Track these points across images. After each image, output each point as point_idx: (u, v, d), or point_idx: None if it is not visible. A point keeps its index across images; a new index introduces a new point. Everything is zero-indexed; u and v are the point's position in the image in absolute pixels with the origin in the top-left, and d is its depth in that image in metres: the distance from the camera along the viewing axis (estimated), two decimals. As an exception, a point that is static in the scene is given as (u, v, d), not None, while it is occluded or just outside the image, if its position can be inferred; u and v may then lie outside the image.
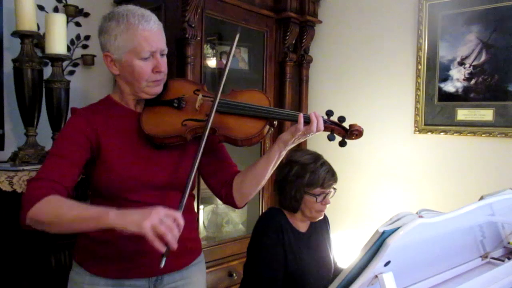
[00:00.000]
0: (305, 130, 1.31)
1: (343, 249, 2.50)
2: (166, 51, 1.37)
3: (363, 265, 0.89)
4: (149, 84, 1.34)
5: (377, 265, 0.86)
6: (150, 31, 1.30)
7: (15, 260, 1.86)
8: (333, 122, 1.38)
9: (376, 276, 0.90)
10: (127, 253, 1.34)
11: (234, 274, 2.35)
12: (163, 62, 1.35)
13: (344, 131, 1.38)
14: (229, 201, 1.48)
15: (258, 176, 1.40)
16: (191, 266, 1.47)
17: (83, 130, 1.30)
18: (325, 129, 1.36)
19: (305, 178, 1.67)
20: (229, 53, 1.41)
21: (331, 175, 1.70)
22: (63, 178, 1.24)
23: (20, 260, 1.87)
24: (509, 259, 1.25)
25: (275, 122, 1.39)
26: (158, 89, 1.37)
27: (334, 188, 1.72)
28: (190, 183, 1.28)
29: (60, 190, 1.22)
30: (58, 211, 1.16)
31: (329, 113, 1.37)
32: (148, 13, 1.34)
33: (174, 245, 1.09)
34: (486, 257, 1.25)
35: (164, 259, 1.12)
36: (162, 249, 1.08)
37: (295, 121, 1.33)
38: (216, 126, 1.34)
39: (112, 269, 1.35)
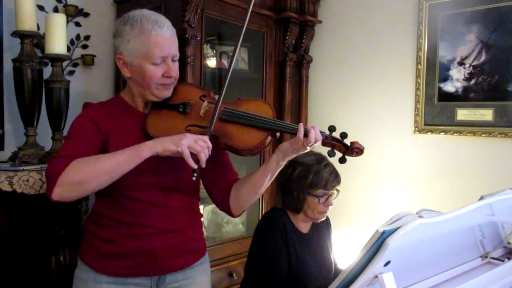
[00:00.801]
0: (304, 141, 1.32)
1: (343, 249, 2.50)
2: (177, 57, 1.40)
3: (363, 265, 0.89)
4: (158, 87, 1.37)
5: (377, 265, 0.86)
6: (163, 37, 1.33)
7: (15, 260, 1.86)
8: (334, 138, 1.38)
9: (376, 276, 0.90)
10: (130, 252, 1.35)
11: (234, 274, 2.35)
12: (174, 68, 1.38)
13: (345, 148, 1.37)
14: (225, 208, 1.49)
15: (255, 185, 1.41)
16: (195, 266, 1.47)
17: (95, 120, 1.34)
18: (326, 144, 1.38)
19: (308, 179, 1.67)
20: (232, 56, 1.41)
21: (335, 177, 1.70)
22: (80, 154, 1.25)
23: (20, 260, 1.87)
24: (509, 259, 1.25)
25: (277, 134, 1.40)
26: (167, 92, 1.40)
27: (337, 190, 1.72)
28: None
29: None
30: (93, 165, 1.21)
31: (332, 128, 1.38)
32: (162, 18, 1.37)
33: (204, 163, 1.23)
34: (486, 257, 1.25)
35: (195, 174, 1.26)
36: (194, 165, 1.23)
37: (296, 134, 1.34)
38: (218, 134, 1.35)
39: (115, 267, 1.36)
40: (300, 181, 1.68)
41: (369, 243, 0.88)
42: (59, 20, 1.98)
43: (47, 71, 2.06)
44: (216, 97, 1.42)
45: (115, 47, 1.38)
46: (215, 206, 2.59)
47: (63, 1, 2.28)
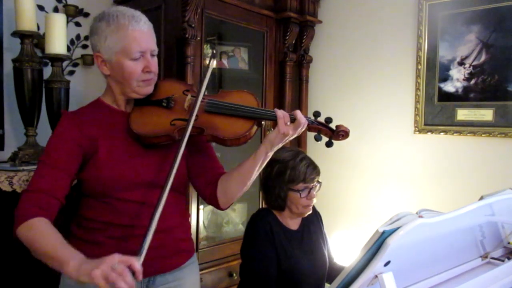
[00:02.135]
0: (289, 126, 1.32)
1: (343, 249, 2.50)
2: (156, 52, 1.38)
3: (363, 265, 0.89)
4: (139, 84, 1.34)
5: (377, 265, 0.86)
6: (140, 32, 1.31)
7: (14, 260, 1.86)
8: (319, 123, 1.40)
9: (376, 276, 0.90)
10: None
11: (234, 274, 2.35)
12: (154, 62, 1.36)
13: (330, 132, 1.40)
14: (213, 201, 1.47)
15: (244, 176, 1.40)
16: (184, 267, 1.46)
17: (74, 138, 1.31)
18: (312, 129, 1.39)
19: (286, 175, 1.68)
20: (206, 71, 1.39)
21: (313, 169, 1.70)
22: (56, 190, 1.25)
23: (20, 260, 1.86)
24: (509, 259, 1.25)
25: (263, 122, 1.40)
26: (149, 89, 1.38)
27: (319, 182, 1.72)
28: (169, 184, 1.25)
29: (52, 203, 1.24)
30: (34, 241, 1.19)
31: (316, 114, 1.39)
32: (138, 13, 1.34)
33: None
34: (486, 257, 1.25)
35: None
36: None
37: None
38: (204, 126, 1.34)
39: None
40: (279, 178, 1.69)
41: (369, 243, 0.88)
42: (59, 20, 1.98)
43: (47, 71, 2.06)
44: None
45: (92, 45, 1.36)
46: (215, 206, 2.59)
47: (63, 1, 2.28)
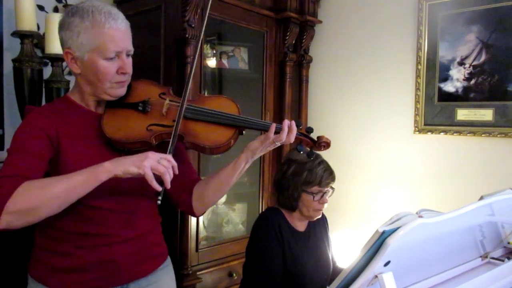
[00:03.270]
0: (275, 138, 1.31)
1: (343, 249, 2.50)
2: (132, 52, 1.31)
3: (363, 265, 0.89)
4: (112, 85, 1.28)
5: (377, 265, 0.86)
6: (117, 30, 1.24)
7: (13, 259, 1.86)
8: (301, 133, 1.38)
9: (376, 276, 0.90)
10: (89, 264, 1.28)
11: (234, 274, 2.35)
12: (129, 63, 1.29)
13: (312, 143, 1.40)
14: (187, 208, 1.43)
15: (222, 184, 1.37)
16: (158, 270, 1.43)
17: (43, 127, 1.22)
18: (295, 140, 1.37)
19: (302, 176, 1.68)
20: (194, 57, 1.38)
21: (329, 174, 1.70)
22: (29, 172, 1.14)
23: (18, 259, 1.86)
24: (509, 259, 1.25)
25: (244, 131, 1.38)
26: (122, 90, 1.31)
27: (332, 188, 1.72)
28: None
29: None
30: (45, 190, 1.10)
31: (298, 124, 1.37)
32: (115, 10, 1.27)
33: (169, 185, 1.15)
34: (486, 257, 1.25)
35: (160, 197, 1.17)
36: (159, 188, 1.14)
37: (265, 130, 1.32)
38: (184, 133, 1.30)
39: (74, 282, 1.28)
40: (295, 179, 1.69)
41: (369, 243, 0.88)
42: (59, 20, 1.97)
43: (47, 71, 2.06)
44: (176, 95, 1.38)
45: (62, 41, 1.27)
46: (215, 206, 2.60)
47: (63, 1, 2.28)
